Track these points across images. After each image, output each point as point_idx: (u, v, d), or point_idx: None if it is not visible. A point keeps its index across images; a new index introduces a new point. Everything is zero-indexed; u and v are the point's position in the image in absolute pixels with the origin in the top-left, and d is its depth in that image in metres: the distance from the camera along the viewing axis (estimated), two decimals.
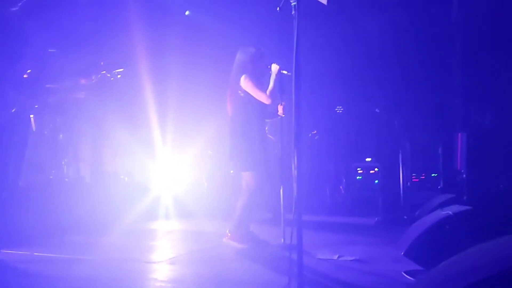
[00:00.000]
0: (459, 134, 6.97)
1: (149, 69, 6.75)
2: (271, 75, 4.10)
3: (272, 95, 4.06)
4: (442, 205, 4.81)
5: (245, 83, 4.06)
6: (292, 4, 2.02)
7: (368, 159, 8.01)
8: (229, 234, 4.13)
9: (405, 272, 3.14)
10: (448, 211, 3.31)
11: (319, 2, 2.15)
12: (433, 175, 7.47)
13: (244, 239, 4.10)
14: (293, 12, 2.05)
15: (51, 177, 5.71)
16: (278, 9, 2.63)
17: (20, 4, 3.10)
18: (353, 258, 3.68)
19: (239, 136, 4.13)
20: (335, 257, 3.72)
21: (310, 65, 6.22)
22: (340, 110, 8.01)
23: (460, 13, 7.48)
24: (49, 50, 3.62)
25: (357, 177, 7.88)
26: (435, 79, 7.62)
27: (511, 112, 6.75)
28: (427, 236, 3.20)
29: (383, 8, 7.41)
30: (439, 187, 7.17)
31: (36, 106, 4.33)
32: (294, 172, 2.10)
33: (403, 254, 3.22)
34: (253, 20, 6.95)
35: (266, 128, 4.57)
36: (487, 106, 7.07)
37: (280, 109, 4.14)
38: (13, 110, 2.93)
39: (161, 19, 6.95)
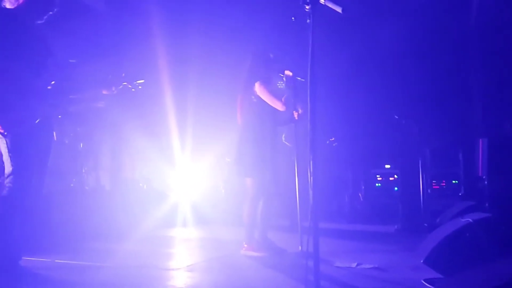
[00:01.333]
0: (480, 139, 6.86)
1: (167, 78, 6.83)
2: (285, 82, 4.10)
3: (286, 102, 4.06)
4: (463, 213, 4.74)
5: (260, 90, 4.07)
6: (306, 9, 2.02)
7: (387, 166, 7.93)
8: (245, 245, 4.13)
9: (424, 280, 3.09)
10: (469, 218, 3.26)
11: (335, 10, 2.15)
12: (453, 182, 7.36)
13: (261, 247, 4.09)
14: (308, 20, 2.05)
15: (72, 185, 5.80)
16: (293, 18, 2.64)
17: (46, 17, 3.18)
18: (371, 266, 3.64)
19: (247, 141, 4.12)
20: (353, 265, 3.68)
21: (326, 72, 6.22)
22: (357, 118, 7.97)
23: (480, 17, 7.38)
24: (70, 60, 3.69)
25: (376, 184, 7.81)
26: (455, 84, 7.51)
27: None
28: (447, 243, 3.15)
29: (400, 14, 7.36)
30: (460, 194, 7.06)
31: (60, 116, 4.41)
32: (310, 179, 2.10)
33: (423, 262, 3.17)
34: (269, 28, 6.97)
35: (283, 135, 4.57)
36: (508, 111, 6.95)
37: (295, 115, 4.12)
38: (37, 121, 3.00)
39: (180, 29, 7.04)
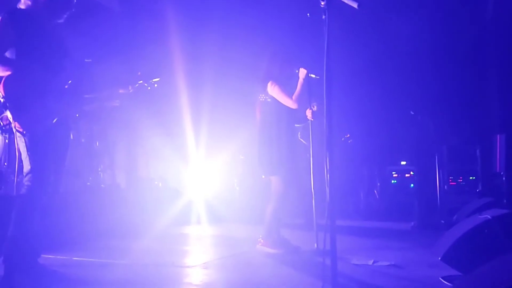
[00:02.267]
0: (498, 135, 6.75)
1: (182, 76, 6.85)
2: (299, 80, 4.09)
3: (298, 100, 4.06)
4: (481, 209, 4.67)
5: (271, 89, 4.09)
6: (322, 5, 2.00)
7: (403, 163, 7.85)
8: (261, 241, 4.14)
9: (442, 278, 3.05)
10: (487, 215, 3.21)
11: (350, 6, 2.12)
12: (471, 178, 7.26)
13: (277, 244, 4.10)
14: (323, 16, 2.04)
15: (88, 183, 5.86)
16: (308, 15, 2.62)
17: (65, 16, 3.21)
18: (388, 263, 3.61)
19: (266, 141, 4.15)
20: (370, 262, 3.66)
21: (341, 68, 6.17)
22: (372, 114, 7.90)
23: (496, 11, 7.26)
24: (86, 60, 3.72)
25: (392, 181, 7.74)
26: (472, 79, 7.41)
27: None
28: (466, 240, 3.10)
29: (416, 9, 7.28)
30: (477, 190, 6.96)
31: (77, 115, 4.46)
32: (326, 176, 2.08)
33: (440, 259, 3.14)
34: (284, 25, 6.95)
35: (299, 133, 4.56)
36: None
37: (308, 114, 4.13)
38: (55, 120, 3.03)
39: (194, 27, 7.05)
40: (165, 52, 6.70)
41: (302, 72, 4.09)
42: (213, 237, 5.55)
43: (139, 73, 3.50)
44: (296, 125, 4.31)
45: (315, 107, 4.08)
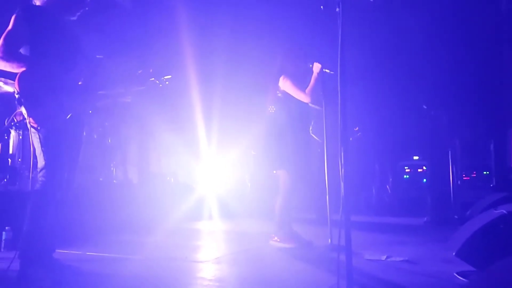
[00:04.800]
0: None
1: (193, 72, 6.86)
2: (313, 74, 4.08)
3: (312, 94, 4.04)
4: (494, 204, 4.62)
5: (283, 83, 4.09)
6: None
7: (416, 158, 7.80)
8: (275, 237, 4.13)
9: (457, 273, 3.02)
10: (503, 209, 3.16)
11: None
12: (484, 173, 7.19)
13: (291, 239, 4.09)
14: (337, 9, 2.01)
15: (101, 179, 5.90)
16: (321, 7, 2.60)
17: (78, 13, 3.23)
18: (402, 259, 3.58)
19: (276, 135, 4.13)
20: (383, 257, 3.64)
21: (354, 61, 6.12)
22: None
23: (510, 5, 7.14)
24: (97, 56, 3.73)
25: (405, 176, 7.69)
26: (485, 73, 7.31)
27: None
28: (481, 236, 3.07)
29: (431, 2, 7.19)
30: (491, 185, 6.89)
31: (90, 111, 4.48)
32: (341, 171, 2.07)
33: (455, 254, 3.10)
34: (298, 20, 6.92)
35: (310, 128, 4.54)
36: None
37: (315, 67, 4.06)
38: (69, 116, 3.05)
39: (205, 23, 7.05)
40: (177, 48, 6.72)
41: (316, 67, 4.07)
42: (225, 232, 5.57)
43: (150, 70, 3.51)
44: (310, 105, 4.25)
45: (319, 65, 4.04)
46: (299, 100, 4.09)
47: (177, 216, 5.76)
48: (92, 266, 3.46)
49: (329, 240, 3.98)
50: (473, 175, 7.24)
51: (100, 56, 3.68)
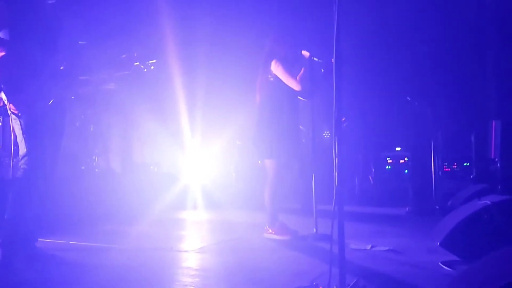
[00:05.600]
0: (493, 121, 6.77)
1: (177, 60, 6.77)
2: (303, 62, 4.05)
3: (302, 82, 4.01)
4: (474, 195, 4.70)
5: (275, 67, 4.02)
6: None
7: (398, 149, 7.87)
8: (269, 229, 4.11)
9: (442, 263, 3.07)
10: (486, 200, 3.21)
11: None
12: (465, 164, 7.30)
13: (285, 231, 4.06)
14: None
15: (83, 167, 5.81)
16: None
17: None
18: (386, 248, 3.62)
19: (266, 122, 4.09)
20: (368, 247, 3.66)
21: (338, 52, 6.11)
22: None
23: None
24: (80, 42, 3.65)
25: (387, 167, 7.75)
26: (468, 65, 7.40)
27: None
28: (465, 226, 3.11)
29: None
30: (471, 176, 7.00)
31: (73, 97, 4.39)
32: (335, 161, 2.06)
33: (439, 244, 3.15)
34: (285, 7, 6.86)
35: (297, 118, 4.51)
36: None
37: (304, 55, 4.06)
38: (50, 102, 2.98)
39: (191, 9, 6.94)
40: (161, 36, 6.60)
41: (305, 55, 4.04)
42: (209, 222, 5.55)
43: (135, 54, 3.45)
44: (299, 98, 4.23)
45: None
46: (289, 89, 4.05)
47: (161, 206, 5.71)
48: (76, 256, 3.41)
49: (315, 230, 3.99)
50: (454, 167, 7.34)
51: (83, 42, 3.60)
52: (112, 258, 3.40)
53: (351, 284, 2.29)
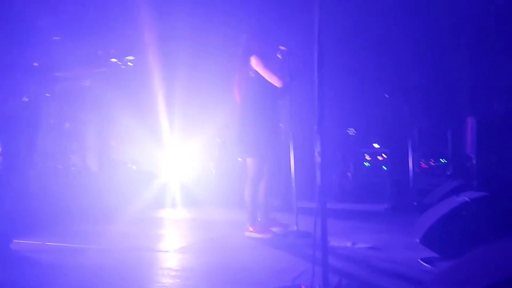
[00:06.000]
0: (469, 118, 6.88)
1: (156, 57, 6.65)
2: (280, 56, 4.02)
3: (282, 77, 3.98)
4: (451, 192, 4.76)
5: (256, 63, 3.98)
6: None
7: (376, 145, 7.94)
8: (250, 228, 4.08)
9: (421, 260, 3.09)
10: (465, 197, 3.25)
11: None
12: (442, 161, 7.41)
13: (266, 229, 4.05)
14: None
15: (59, 166, 5.68)
16: None
17: None
18: (366, 245, 3.63)
19: (248, 120, 4.05)
20: (349, 244, 3.67)
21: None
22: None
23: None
24: (54, 38, 3.55)
25: (365, 164, 7.82)
26: (444, 63, 7.50)
27: None
28: (444, 223, 3.15)
29: None
30: (448, 173, 7.11)
31: (47, 95, 4.27)
32: (318, 159, 2.05)
33: (419, 241, 3.18)
34: (262, 3, 6.80)
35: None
36: (496, 90, 6.98)
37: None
38: (24, 99, 2.88)
39: (171, 5, 6.83)
40: (139, 31, 6.48)
41: (282, 49, 4.01)
42: (189, 221, 5.50)
43: (112, 50, 3.38)
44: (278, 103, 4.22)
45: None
46: (270, 85, 4.01)
47: (139, 204, 5.63)
48: (51, 257, 3.32)
49: (295, 227, 3.99)
50: (431, 163, 7.44)
51: (57, 38, 3.51)
52: (89, 259, 3.32)
53: (335, 283, 2.29)
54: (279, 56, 4.04)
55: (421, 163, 7.44)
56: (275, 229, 4.09)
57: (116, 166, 6.63)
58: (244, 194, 4.13)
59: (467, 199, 3.16)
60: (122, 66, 3.33)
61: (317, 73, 1.96)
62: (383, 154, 7.84)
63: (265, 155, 4.04)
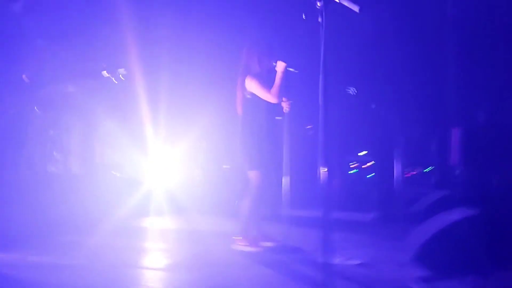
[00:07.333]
0: (453, 129, 6.92)
1: (139, 62, 6.52)
2: (277, 73, 3.95)
3: (278, 94, 3.93)
4: (437, 202, 4.77)
5: (249, 84, 3.95)
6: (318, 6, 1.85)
7: (362, 153, 7.95)
8: (239, 240, 4.00)
9: (414, 279, 3.04)
10: (457, 214, 3.23)
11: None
12: (427, 169, 7.45)
13: (257, 242, 3.97)
14: (319, 19, 1.89)
15: (44, 172, 5.52)
16: (304, 16, 2.47)
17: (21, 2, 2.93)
18: (356, 262, 3.56)
19: (247, 135, 4.01)
20: (337, 260, 3.60)
21: (305, 60, 6.07)
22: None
23: (455, 7, 7.38)
24: (39, 41, 3.43)
25: (351, 171, 7.82)
26: (430, 73, 7.54)
27: (506, 106, 6.73)
28: (437, 240, 3.11)
29: (376, 4, 7.26)
30: (432, 182, 7.14)
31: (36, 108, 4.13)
32: (322, 170, 1.99)
33: (411, 259, 3.14)
34: (261, 17, 6.71)
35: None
36: (481, 101, 7.03)
37: (284, 106, 4.04)
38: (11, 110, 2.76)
39: (154, 9, 6.70)
40: (123, 37, 6.33)
41: (280, 65, 3.94)
42: (175, 232, 5.35)
43: (104, 65, 3.28)
44: (277, 118, 4.17)
45: (289, 101, 4.00)
46: (266, 104, 3.96)
47: (123, 212, 5.47)
48: (30, 274, 3.17)
49: (284, 241, 3.92)
50: (415, 172, 7.48)
51: (43, 42, 3.39)
52: (69, 276, 3.16)
53: None
54: (275, 64, 3.96)
55: (406, 172, 7.47)
56: (265, 244, 4.02)
57: (99, 172, 6.47)
58: (240, 206, 4.05)
59: (460, 217, 3.14)
60: (115, 82, 3.23)
61: (320, 92, 1.89)
62: (369, 163, 7.86)
63: (268, 169, 3.98)
